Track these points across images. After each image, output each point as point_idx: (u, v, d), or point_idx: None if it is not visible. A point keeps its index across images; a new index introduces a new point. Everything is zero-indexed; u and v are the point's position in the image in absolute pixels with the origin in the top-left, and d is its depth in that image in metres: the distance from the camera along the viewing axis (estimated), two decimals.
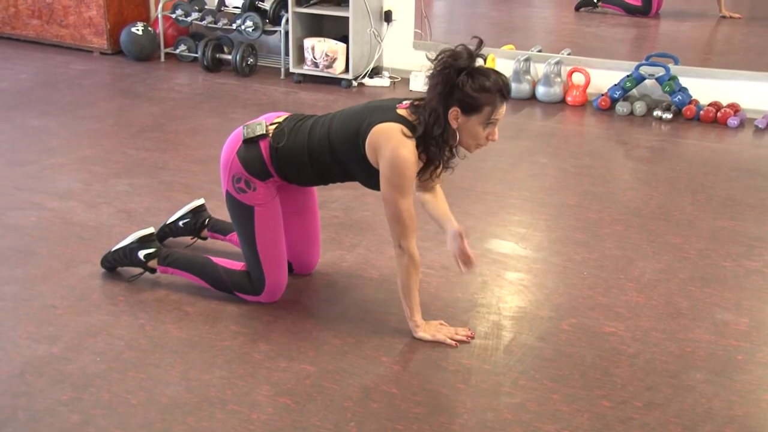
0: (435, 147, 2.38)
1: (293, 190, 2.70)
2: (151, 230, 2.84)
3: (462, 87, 2.29)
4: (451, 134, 2.38)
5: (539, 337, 2.57)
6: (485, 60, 2.37)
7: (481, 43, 2.33)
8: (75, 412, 2.15)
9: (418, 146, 2.37)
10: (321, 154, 2.49)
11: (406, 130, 2.35)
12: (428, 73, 2.37)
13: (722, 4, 7.50)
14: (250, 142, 2.53)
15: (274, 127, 2.55)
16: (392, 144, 2.33)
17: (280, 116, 2.60)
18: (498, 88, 2.31)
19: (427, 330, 2.52)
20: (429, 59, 2.36)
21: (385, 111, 2.41)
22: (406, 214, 2.38)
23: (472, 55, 2.32)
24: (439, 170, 2.47)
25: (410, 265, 2.44)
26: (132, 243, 2.80)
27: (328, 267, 2.97)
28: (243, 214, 2.59)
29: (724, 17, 7.51)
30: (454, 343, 2.49)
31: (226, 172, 2.58)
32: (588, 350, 2.50)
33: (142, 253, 2.78)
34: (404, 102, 2.44)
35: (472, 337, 2.53)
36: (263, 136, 2.53)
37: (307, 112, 4.97)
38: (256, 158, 2.53)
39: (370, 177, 2.45)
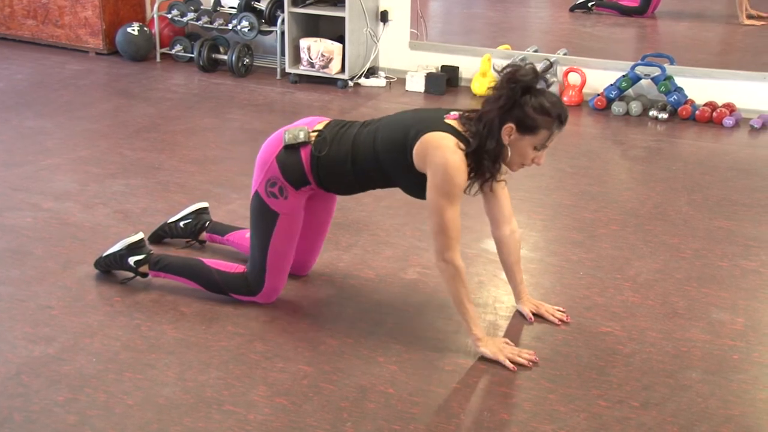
0: (488, 161, 2.33)
1: (320, 198, 2.68)
2: (140, 236, 2.81)
3: (523, 105, 2.25)
4: (504, 150, 2.34)
5: (536, 337, 2.57)
6: (547, 85, 2.33)
7: (549, 66, 2.31)
8: (71, 413, 2.15)
9: (468, 159, 2.32)
10: (365, 161, 2.45)
11: (458, 141, 2.31)
12: (491, 85, 2.32)
13: (743, 11, 7.35)
14: (291, 148, 2.50)
15: (315, 134, 2.51)
16: (441, 152, 2.29)
17: (322, 122, 2.56)
18: (558, 113, 2.27)
19: (488, 346, 2.42)
20: (495, 70, 2.34)
21: (433, 121, 2.37)
22: (451, 224, 2.33)
23: (537, 75, 2.27)
24: (488, 184, 2.42)
25: (456, 278, 2.37)
26: (121, 250, 2.78)
27: (325, 267, 2.96)
28: (266, 217, 2.56)
29: (743, 24, 7.38)
30: (512, 366, 2.37)
31: (261, 173, 2.55)
32: (584, 350, 2.50)
33: (132, 260, 2.76)
34: (452, 113, 2.40)
35: (536, 363, 2.41)
36: (305, 144, 2.50)
37: (304, 112, 5.00)
38: (295, 165, 2.50)
39: (414, 184, 2.40)
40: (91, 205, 3.48)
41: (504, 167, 2.43)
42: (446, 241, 2.35)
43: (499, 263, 3.01)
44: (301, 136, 2.49)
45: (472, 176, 2.37)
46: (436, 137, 2.32)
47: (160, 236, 3.10)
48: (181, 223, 3.08)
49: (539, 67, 2.31)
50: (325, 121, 2.57)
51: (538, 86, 2.28)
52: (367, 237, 3.23)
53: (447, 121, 2.37)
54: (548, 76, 2.32)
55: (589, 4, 7.92)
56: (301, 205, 2.58)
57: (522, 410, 2.22)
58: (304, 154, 2.49)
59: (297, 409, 2.19)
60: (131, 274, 2.80)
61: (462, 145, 2.31)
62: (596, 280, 2.94)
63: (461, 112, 2.39)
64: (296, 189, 2.53)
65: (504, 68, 2.32)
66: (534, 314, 2.66)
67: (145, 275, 2.79)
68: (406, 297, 2.80)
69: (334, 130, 2.51)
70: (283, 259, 2.64)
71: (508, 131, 2.30)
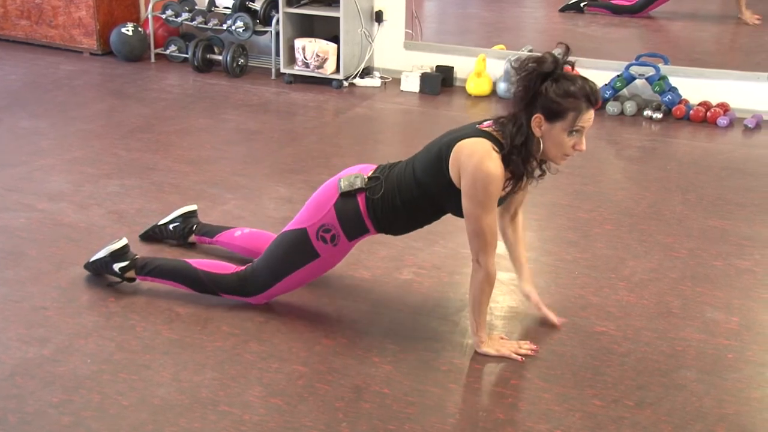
0: (517, 157, 2.27)
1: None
2: (123, 243, 2.78)
3: (546, 93, 2.20)
4: (535, 144, 2.28)
5: (530, 337, 2.57)
6: (572, 66, 2.27)
7: (568, 50, 2.24)
8: (65, 414, 2.14)
9: (503, 161, 2.28)
10: (409, 191, 2.42)
11: (493, 145, 2.27)
12: (513, 81, 2.29)
13: (742, 6, 7.36)
14: (348, 195, 2.47)
15: (370, 180, 2.48)
16: (476, 159, 2.25)
17: (372, 168, 2.53)
18: (584, 93, 2.20)
19: (491, 345, 2.46)
20: (513, 67, 2.27)
21: (466, 130, 2.34)
22: (488, 230, 2.31)
23: (557, 61, 2.22)
24: (523, 183, 2.37)
25: (485, 282, 2.37)
26: (105, 257, 2.77)
27: None
28: (304, 253, 2.53)
29: (741, 20, 7.38)
30: (519, 357, 2.43)
31: (315, 216, 2.51)
32: (579, 350, 2.51)
33: (116, 266, 2.75)
34: (485, 122, 2.36)
35: (536, 351, 2.47)
36: (360, 190, 2.46)
37: (299, 112, 5.00)
38: (353, 212, 2.47)
39: (459, 204, 2.35)
40: (86, 205, 3.48)
41: (547, 173, 2.42)
42: (481, 245, 2.33)
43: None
44: (358, 182, 2.47)
45: (510, 177, 2.32)
46: (469, 143, 2.29)
47: (149, 237, 3.12)
48: (170, 226, 3.09)
49: (557, 52, 2.25)
50: (374, 167, 2.54)
51: (561, 72, 2.22)
52: None
53: (480, 129, 2.33)
54: (570, 58, 2.27)
55: (582, 4, 7.93)
56: (345, 254, 2.58)
57: (517, 410, 2.22)
58: (361, 199, 2.46)
59: (292, 410, 2.19)
60: (117, 279, 2.80)
61: (497, 149, 2.27)
62: (591, 280, 2.94)
63: (494, 118, 2.35)
64: (349, 240, 2.51)
65: (522, 61, 2.25)
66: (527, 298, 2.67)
67: (132, 280, 2.78)
68: (402, 297, 2.80)
69: (385, 172, 2.49)
70: (296, 286, 2.64)
71: (537, 122, 2.24)
